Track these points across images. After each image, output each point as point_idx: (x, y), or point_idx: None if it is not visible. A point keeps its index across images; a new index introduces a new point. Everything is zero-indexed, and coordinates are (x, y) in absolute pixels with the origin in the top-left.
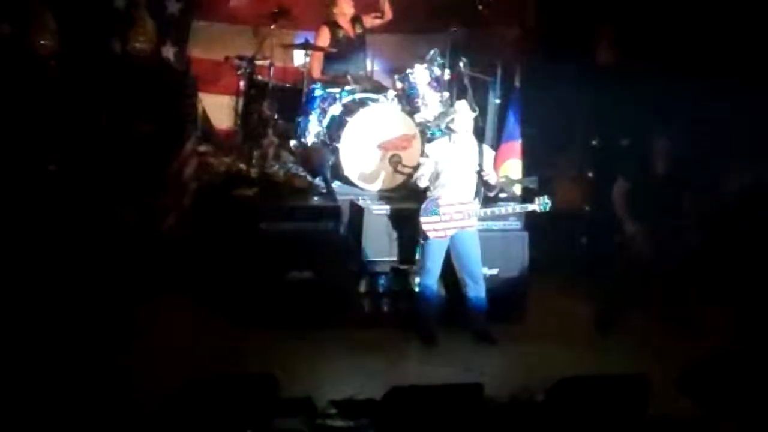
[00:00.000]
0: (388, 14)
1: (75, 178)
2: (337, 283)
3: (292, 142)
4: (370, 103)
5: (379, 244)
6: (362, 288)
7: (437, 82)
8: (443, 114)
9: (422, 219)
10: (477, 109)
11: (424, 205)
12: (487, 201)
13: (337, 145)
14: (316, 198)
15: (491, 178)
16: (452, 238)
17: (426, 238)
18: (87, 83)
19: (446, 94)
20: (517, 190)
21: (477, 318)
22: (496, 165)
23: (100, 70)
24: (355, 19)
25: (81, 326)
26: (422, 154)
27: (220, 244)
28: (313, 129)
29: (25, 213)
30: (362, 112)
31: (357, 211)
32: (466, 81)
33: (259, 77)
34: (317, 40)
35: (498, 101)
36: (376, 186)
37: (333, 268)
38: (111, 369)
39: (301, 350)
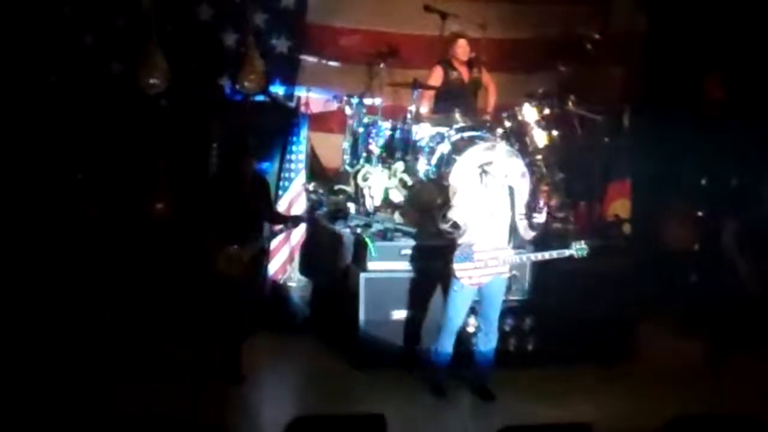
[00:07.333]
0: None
1: (185, 216)
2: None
3: (401, 180)
4: (478, 141)
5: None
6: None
7: (545, 121)
8: (482, 154)
9: (456, 266)
10: (519, 155)
11: (457, 252)
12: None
13: (445, 183)
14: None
15: (525, 231)
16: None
17: (459, 285)
18: (197, 122)
19: (555, 133)
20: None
21: (481, 369)
22: (605, 205)
23: (210, 109)
24: (472, 63)
25: (196, 362)
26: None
27: (325, 282)
28: (422, 167)
29: (138, 251)
30: (470, 151)
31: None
32: (575, 120)
33: (368, 116)
34: (429, 79)
35: (606, 140)
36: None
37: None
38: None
39: (409, 390)
